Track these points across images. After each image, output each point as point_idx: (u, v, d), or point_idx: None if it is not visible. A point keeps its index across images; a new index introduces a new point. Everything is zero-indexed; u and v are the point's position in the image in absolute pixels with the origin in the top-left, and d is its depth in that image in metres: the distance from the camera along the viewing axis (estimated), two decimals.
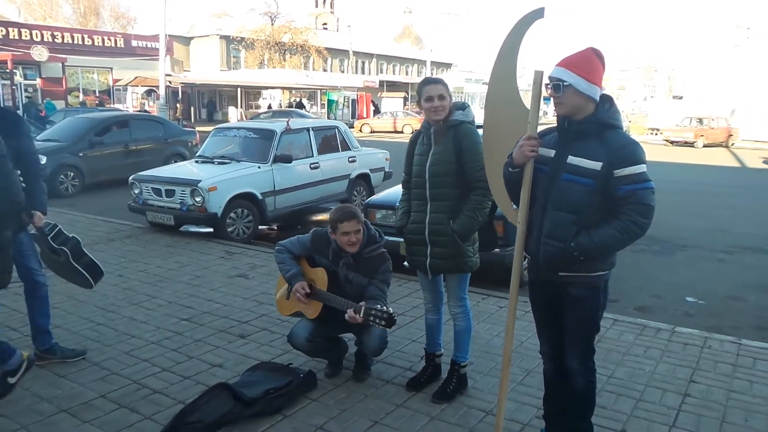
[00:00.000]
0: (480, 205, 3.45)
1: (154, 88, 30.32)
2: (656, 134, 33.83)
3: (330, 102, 40.58)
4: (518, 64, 3.03)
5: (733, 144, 30.79)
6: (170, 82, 30.33)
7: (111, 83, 34.97)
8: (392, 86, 54.43)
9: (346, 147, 9.96)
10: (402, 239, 3.78)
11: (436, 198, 3.52)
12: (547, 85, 2.68)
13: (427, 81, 3.54)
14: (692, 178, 16.41)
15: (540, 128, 2.79)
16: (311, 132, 9.33)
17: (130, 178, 8.53)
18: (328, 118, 35.50)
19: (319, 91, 44.05)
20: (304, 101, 41.03)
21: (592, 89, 2.63)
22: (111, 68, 34.75)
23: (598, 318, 2.83)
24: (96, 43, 34.32)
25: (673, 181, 14.38)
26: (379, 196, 7.36)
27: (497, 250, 5.52)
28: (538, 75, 2.68)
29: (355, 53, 57.25)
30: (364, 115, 41.60)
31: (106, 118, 13.98)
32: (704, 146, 28.81)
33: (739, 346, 4.51)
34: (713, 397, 3.71)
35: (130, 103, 32.92)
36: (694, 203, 12.03)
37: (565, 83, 2.61)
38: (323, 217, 9.05)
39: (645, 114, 47.05)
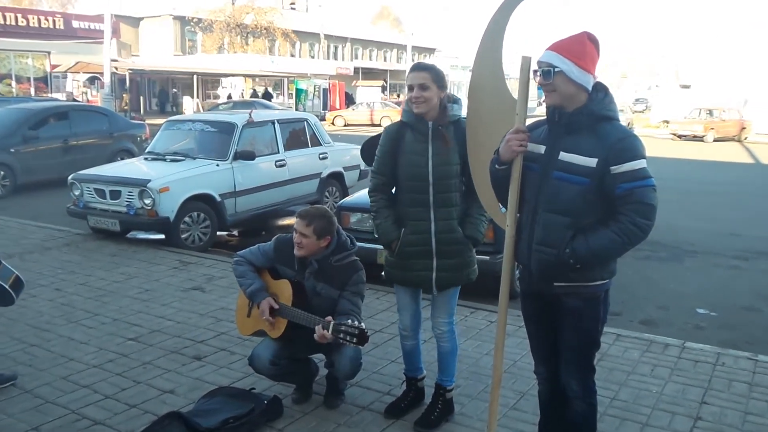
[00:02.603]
0: None
1: (98, 75, 30.00)
2: (667, 127, 34.17)
3: (299, 91, 40.46)
4: (506, 50, 3.03)
5: (746, 138, 31.32)
6: (116, 69, 30.08)
7: (48, 69, 34.51)
8: (369, 74, 54.50)
9: (316, 142, 9.94)
10: (380, 247, 3.75)
11: (443, 203, 3.45)
12: (535, 71, 2.68)
13: (412, 67, 3.49)
14: (702, 176, 16.67)
15: (530, 120, 2.79)
16: (277, 125, 9.29)
17: (70, 177, 8.42)
18: (297, 109, 35.40)
19: (286, 79, 43.96)
20: (270, 90, 40.90)
21: (585, 77, 2.64)
22: (48, 52, 34.32)
23: (598, 333, 2.85)
24: (31, 24, 33.91)
25: (681, 179, 14.59)
26: (353, 198, 7.36)
27: (487, 257, 5.53)
28: (526, 61, 2.69)
29: (327, 37, 57.24)
30: (337, 106, 41.59)
31: (42, 109, 13.79)
32: (715, 140, 29.28)
33: (755, 362, 4.56)
34: (728, 420, 3.74)
35: (73, 93, 32.57)
36: (703, 204, 12.21)
37: (555, 69, 2.62)
38: (291, 221, 9.00)
39: (646, 106, 47.47)
